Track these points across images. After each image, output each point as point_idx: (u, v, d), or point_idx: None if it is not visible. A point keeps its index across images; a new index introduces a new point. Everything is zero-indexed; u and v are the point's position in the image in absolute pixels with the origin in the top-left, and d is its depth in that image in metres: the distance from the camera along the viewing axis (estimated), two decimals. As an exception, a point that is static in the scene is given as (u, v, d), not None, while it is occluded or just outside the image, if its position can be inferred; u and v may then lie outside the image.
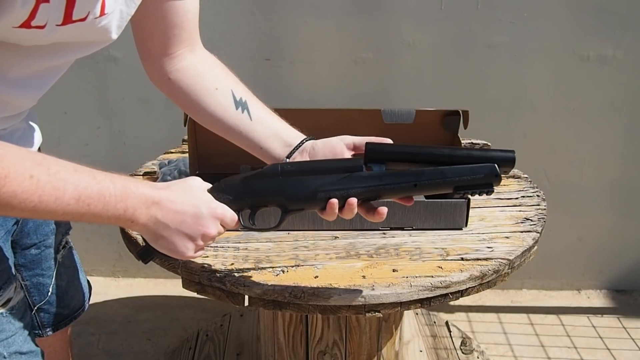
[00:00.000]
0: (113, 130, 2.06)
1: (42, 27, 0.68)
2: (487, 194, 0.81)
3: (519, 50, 1.88)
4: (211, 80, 0.93)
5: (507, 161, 0.80)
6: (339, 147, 0.89)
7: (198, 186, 0.81)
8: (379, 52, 1.90)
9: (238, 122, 0.92)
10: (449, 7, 1.83)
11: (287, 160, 0.90)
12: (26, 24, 0.67)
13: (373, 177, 0.82)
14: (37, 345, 0.93)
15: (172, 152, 1.56)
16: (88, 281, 1.19)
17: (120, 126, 2.05)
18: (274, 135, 0.91)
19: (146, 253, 0.84)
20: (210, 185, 0.83)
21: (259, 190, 0.83)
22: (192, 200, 0.78)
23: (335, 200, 0.81)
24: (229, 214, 0.81)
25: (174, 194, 0.77)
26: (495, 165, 0.79)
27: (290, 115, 1.28)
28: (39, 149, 0.99)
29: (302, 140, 0.91)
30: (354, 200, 0.81)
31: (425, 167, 0.81)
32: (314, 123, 1.24)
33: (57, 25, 0.70)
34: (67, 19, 0.70)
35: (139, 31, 0.91)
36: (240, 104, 0.92)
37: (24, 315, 0.90)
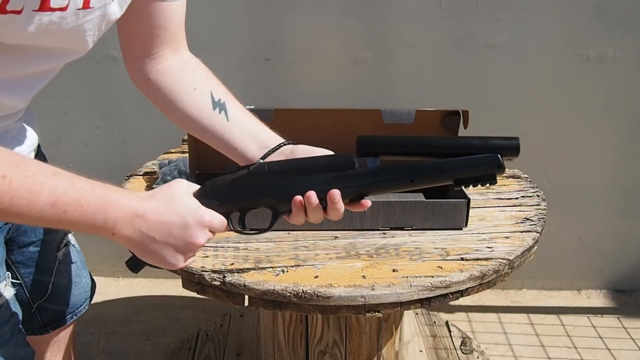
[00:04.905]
0: (113, 130, 2.06)
1: (18, 12, 0.67)
2: (490, 184, 0.75)
3: (519, 50, 1.88)
4: (190, 80, 0.91)
5: (511, 149, 0.74)
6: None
7: (183, 191, 0.77)
8: (379, 52, 1.90)
9: (214, 122, 0.89)
10: (449, 7, 1.83)
11: (261, 161, 0.85)
12: (1, 8, 0.65)
13: (367, 174, 0.76)
14: (28, 343, 0.93)
15: (172, 152, 1.56)
16: (93, 279, 1.19)
17: (120, 126, 2.05)
18: (251, 137, 0.88)
19: (135, 263, 0.80)
20: (196, 187, 0.79)
21: (246, 192, 0.79)
22: (178, 209, 0.75)
23: (313, 195, 0.76)
24: (217, 220, 0.78)
25: (159, 204, 0.74)
26: (498, 155, 0.73)
27: (290, 115, 1.29)
28: (38, 150, 0.99)
29: (281, 144, 0.87)
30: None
31: (421, 160, 0.76)
32: (314, 123, 1.24)
33: (34, 10, 0.68)
34: (45, 3, 0.68)
35: (122, 31, 0.91)
36: (218, 105, 0.89)
37: (14, 313, 0.90)
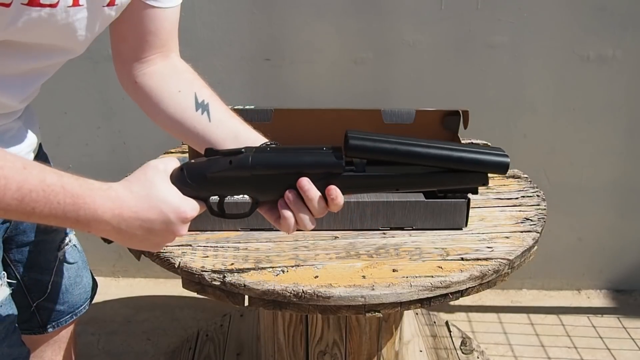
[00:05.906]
0: (113, 130, 2.06)
1: (7, 5, 0.67)
2: (472, 193, 0.79)
3: (519, 50, 1.88)
4: (175, 83, 0.90)
5: (499, 168, 0.75)
6: None
7: (161, 180, 0.74)
8: (379, 52, 1.90)
9: (196, 123, 0.88)
10: (449, 7, 1.83)
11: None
12: None
13: (353, 178, 0.76)
14: (22, 343, 0.93)
15: (172, 152, 1.56)
16: (94, 280, 1.19)
17: (120, 126, 2.05)
18: (232, 138, 0.86)
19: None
20: (174, 165, 0.77)
21: (227, 183, 0.77)
22: (158, 206, 0.72)
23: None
24: (197, 210, 0.76)
25: (137, 201, 0.71)
26: (487, 174, 0.75)
27: (290, 115, 1.29)
28: (39, 149, 0.99)
29: (263, 144, 0.85)
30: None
31: (410, 170, 0.76)
32: (314, 123, 1.24)
33: (23, 4, 0.68)
34: None
35: (113, 34, 0.91)
36: (201, 106, 0.88)
37: (8, 313, 0.90)
